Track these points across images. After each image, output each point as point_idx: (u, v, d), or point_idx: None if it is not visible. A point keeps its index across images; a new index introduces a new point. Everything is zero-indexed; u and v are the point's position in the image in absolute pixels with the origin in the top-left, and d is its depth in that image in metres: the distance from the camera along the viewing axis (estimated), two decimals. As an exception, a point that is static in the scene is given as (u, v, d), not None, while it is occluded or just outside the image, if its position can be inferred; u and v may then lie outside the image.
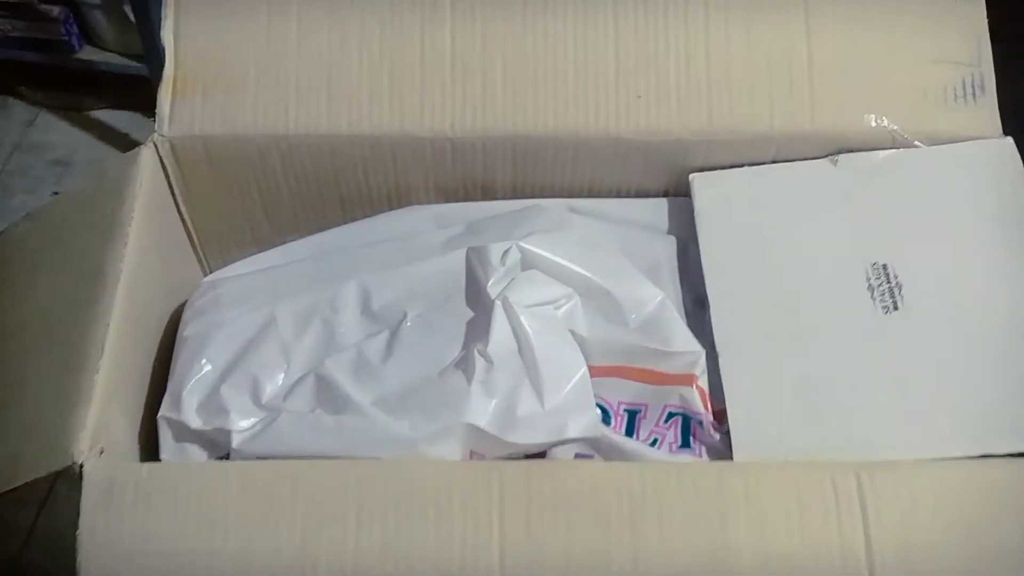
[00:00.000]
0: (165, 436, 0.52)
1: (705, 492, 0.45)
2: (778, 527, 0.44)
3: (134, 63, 1.41)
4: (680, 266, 0.58)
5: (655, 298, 0.54)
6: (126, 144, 1.52)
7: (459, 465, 0.48)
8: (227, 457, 0.51)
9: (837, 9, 0.58)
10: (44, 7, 1.39)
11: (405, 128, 0.57)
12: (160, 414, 0.52)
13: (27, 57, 1.46)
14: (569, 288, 0.54)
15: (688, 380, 0.52)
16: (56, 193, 1.44)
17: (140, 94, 1.38)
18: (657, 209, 0.61)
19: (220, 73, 0.57)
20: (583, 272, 0.54)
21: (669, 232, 0.60)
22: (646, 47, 0.57)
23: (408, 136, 0.57)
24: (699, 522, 0.44)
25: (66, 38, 1.42)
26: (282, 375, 0.53)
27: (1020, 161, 0.56)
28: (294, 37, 0.57)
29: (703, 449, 0.52)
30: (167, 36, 0.57)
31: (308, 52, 0.57)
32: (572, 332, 0.53)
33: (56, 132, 1.53)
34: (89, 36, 1.45)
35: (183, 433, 0.52)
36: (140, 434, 0.53)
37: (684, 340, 0.52)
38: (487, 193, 0.61)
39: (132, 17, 1.33)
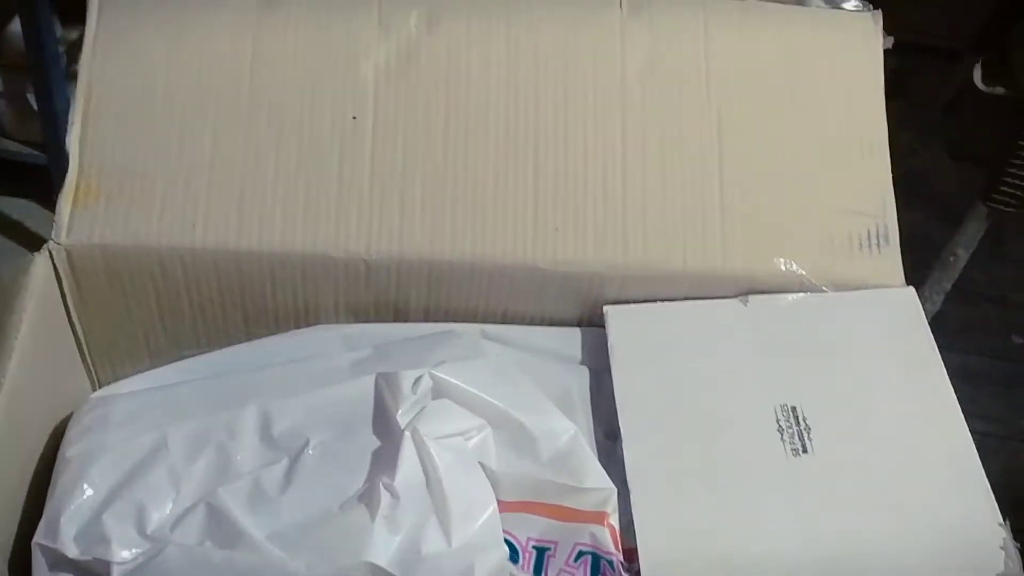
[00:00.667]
0: (39, 564, 0.48)
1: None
2: None
3: (33, 152, 1.37)
4: (592, 397, 0.57)
5: (567, 431, 0.53)
6: (21, 233, 1.47)
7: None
8: None
9: (751, 158, 0.60)
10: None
11: (318, 247, 0.55)
12: (34, 540, 0.48)
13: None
14: (481, 419, 0.52)
15: (599, 518, 0.50)
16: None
17: (38, 183, 1.34)
18: (570, 338, 0.60)
19: (126, 183, 0.55)
20: (495, 402, 0.53)
21: (582, 362, 0.59)
22: (566, 181, 0.58)
23: (321, 256, 0.56)
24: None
25: (-35, 124, 1.38)
26: (170, 503, 0.49)
27: (921, 310, 0.58)
28: (208, 149, 0.56)
29: None
30: (72, 142, 0.55)
31: (221, 165, 0.56)
32: (482, 465, 0.51)
33: (-52, 218, 1.47)
34: (-11, 123, 1.41)
35: (59, 562, 0.48)
36: (12, 562, 0.48)
37: (596, 476, 0.51)
38: (399, 315, 0.60)
39: (35, 106, 1.30)
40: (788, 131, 0.60)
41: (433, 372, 0.52)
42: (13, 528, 0.49)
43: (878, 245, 0.59)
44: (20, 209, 1.44)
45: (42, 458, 0.53)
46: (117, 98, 0.56)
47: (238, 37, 0.58)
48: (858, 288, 0.58)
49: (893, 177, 0.60)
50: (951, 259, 1.18)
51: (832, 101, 0.62)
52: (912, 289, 0.59)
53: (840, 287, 0.58)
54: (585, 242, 0.57)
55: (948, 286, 1.21)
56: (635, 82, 0.60)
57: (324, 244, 0.55)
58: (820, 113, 0.61)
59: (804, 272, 0.58)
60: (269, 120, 0.57)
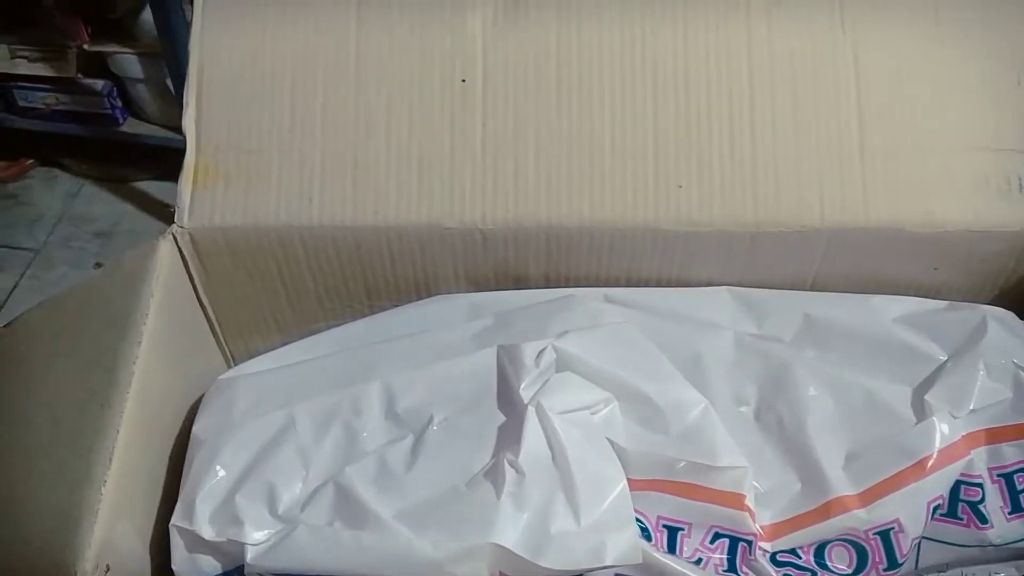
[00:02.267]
0: (177, 546, 0.49)
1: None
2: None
3: (176, 135, 1.41)
4: (725, 363, 0.54)
5: (698, 405, 0.50)
6: (167, 216, 1.52)
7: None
8: (241, 570, 0.48)
9: (891, 93, 0.55)
10: (88, 82, 1.41)
11: (433, 218, 0.54)
12: (172, 522, 0.49)
13: (72, 130, 1.48)
14: (607, 392, 0.50)
15: (736, 501, 0.48)
16: (98, 264, 1.44)
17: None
18: (699, 300, 0.57)
19: (243, 161, 0.55)
20: (621, 374, 0.50)
21: (712, 324, 0.56)
22: (688, 132, 0.54)
23: (437, 227, 0.54)
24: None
25: (109, 111, 1.44)
26: (300, 483, 0.49)
27: None
28: (318, 123, 0.55)
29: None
30: (188, 124, 0.55)
31: (333, 139, 0.55)
32: (610, 441, 0.49)
33: (99, 203, 1.54)
34: (132, 109, 1.47)
35: (195, 543, 0.49)
36: (152, 542, 0.50)
37: (729, 454, 0.48)
38: (519, 283, 0.58)
39: (174, 91, 1.35)
40: (932, 59, 0.55)
41: (556, 344, 0.51)
42: (153, 511, 0.50)
43: (1039, 186, 0.54)
44: (166, 192, 1.50)
45: (179, 438, 0.54)
46: (228, 76, 0.56)
47: (341, 3, 0.57)
48: (1015, 231, 0.53)
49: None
50: None
51: (980, 20, 0.55)
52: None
53: (996, 233, 0.53)
54: (711, 199, 0.54)
55: None
56: (761, 16, 0.55)
57: (440, 215, 0.54)
58: (966, 35, 0.55)
59: (957, 218, 0.53)
60: (378, 88, 0.55)
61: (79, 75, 1.40)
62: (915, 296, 0.56)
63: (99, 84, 1.41)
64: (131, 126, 1.47)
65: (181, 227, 0.54)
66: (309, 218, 0.54)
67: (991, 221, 0.54)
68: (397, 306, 0.58)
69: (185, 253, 0.55)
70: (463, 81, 0.55)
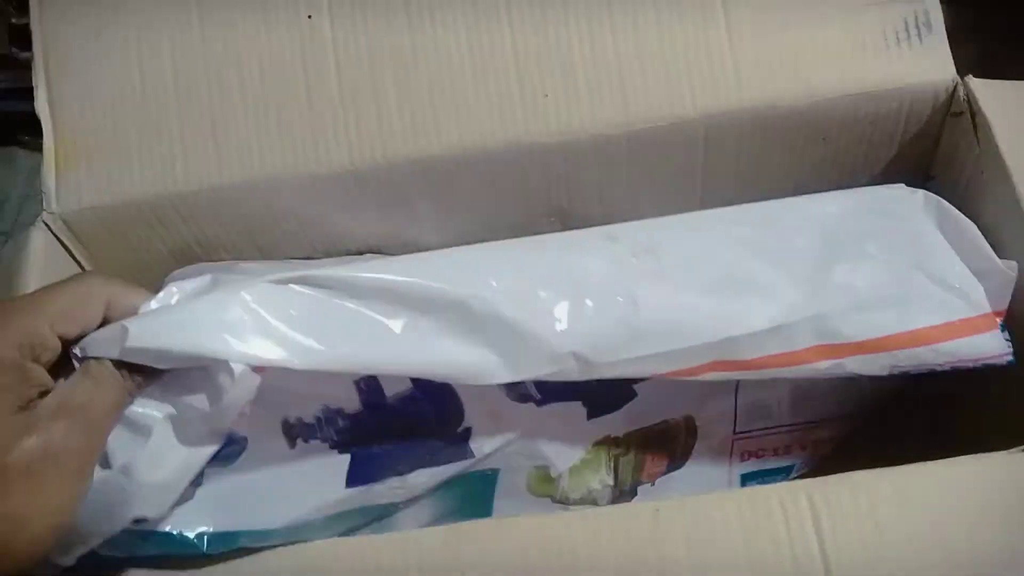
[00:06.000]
0: None
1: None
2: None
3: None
4: None
5: None
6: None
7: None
8: None
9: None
10: (26, 55, 1.38)
11: (299, 167, 0.53)
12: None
13: (21, 107, 1.46)
14: None
15: None
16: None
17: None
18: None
19: (101, 139, 0.54)
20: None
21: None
22: (547, 41, 0.52)
23: (307, 175, 0.53)
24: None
25: (51, 83, 1.41)
26: None
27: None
28: (171, 88, 0.54)
29: None
30: (41, 107, 0.54)
31: (187, 102, 0.53)
32: None
33: (62, 176, 1.53)
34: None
35: None
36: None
37: None
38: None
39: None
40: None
41: None
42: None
43: (919, 35, 0.51)
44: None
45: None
46: (73, 52, 0.54)
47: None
48: (898, 88, 0.51)
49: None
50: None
51: None
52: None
53: (877, 92, 0.51)
54: (579, 104, 0.52)
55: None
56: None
57: (307, 163, 0.53)
58: None
59: (834, 84, 0.51)
60: (226, 42, 0.53)
61: (13, 49, 1.38)
62: (808, 175, 0.54)
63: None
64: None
65: (51, 213, 0.53)
66: (175, 185, 0.53)
67: (870, 80, 0.51)
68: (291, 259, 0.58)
69: (63, 239, 0.54)
70: (309, 17, 0.53)
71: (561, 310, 0.44)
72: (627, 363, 0.45)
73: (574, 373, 0.45)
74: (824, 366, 0.46)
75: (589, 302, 0.45)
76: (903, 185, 0.51)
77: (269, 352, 0.40)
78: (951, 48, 0.51)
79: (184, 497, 0.43)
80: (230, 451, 0.45)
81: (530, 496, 0.55)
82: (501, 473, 0.53)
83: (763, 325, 0.45)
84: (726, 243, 0.47)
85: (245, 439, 0.46)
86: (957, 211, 0.48)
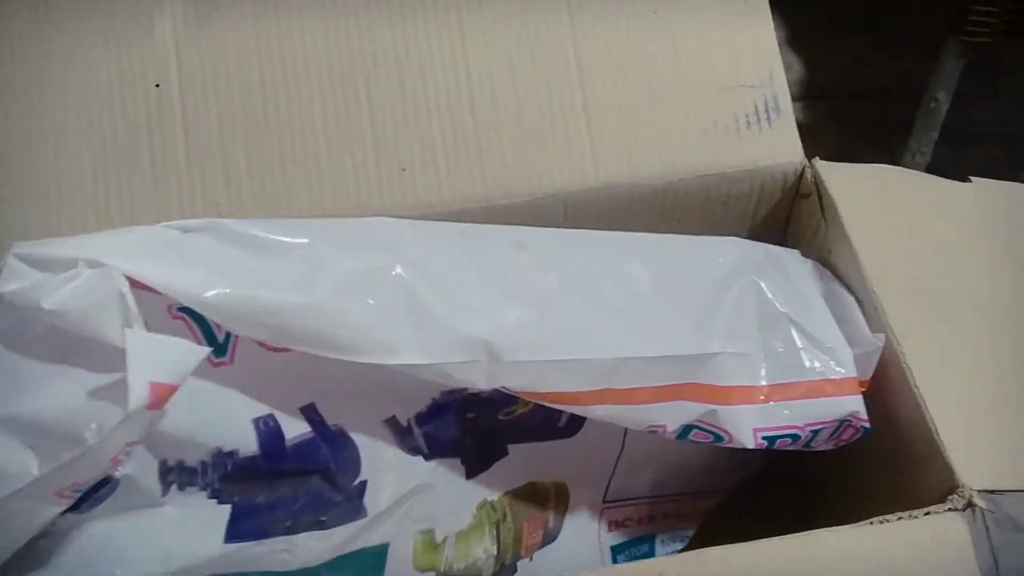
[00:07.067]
0: None
1: None
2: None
3: None
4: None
5: None
6: None
7: None
8: None
9: (610, 46, 0.53)
10: None
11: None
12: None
13: None
14: None
15: None
16: None
17: None
18: None
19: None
20: None
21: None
22: (406, 115, 0.52)
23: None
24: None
25: None
26: None
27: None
28: (15, 155, 0.50)
29: None
30: None
31: (30, 169, 0.50)
32: None
33: None
34: None
35: None
36: None
37: None
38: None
39: None
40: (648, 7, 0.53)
41: None
42: None
43: (768, 119, 0.52)
44: None
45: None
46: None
47: (31, 19, 0.52)
48: (749, 170, 0.52)
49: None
50: (932, 105, 1.09)
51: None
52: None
53: (729, 173, 0.52)
54: (438, 179, 0.51)
55: (935, 135, 1.11)
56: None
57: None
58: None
59: (688, 164, 0.52)
60: (77, 107, 0.51)
61: None
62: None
63: None
64: None
65: None
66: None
67: (723, 162, 0.52)
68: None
69: None
70: (157, 86, 0.51)
71: (475, 297, 0.43)
72: (531, 367, 0.43)
73: (482, 370, 0.43)
74: (697, 410, 0.46)
75: (501, 295, 0.44)
76: (798, 252, 0.53)
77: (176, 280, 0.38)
78: (811, 141, 0.53)
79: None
80: (95, 496, 0.41)
81: (415, 573, 0.52)
82: (391, 547, 0.51)
83: (651, 353, 0.45)
84: (630, 264, 0.48)
85: (117, 481, 0.42)
86: (841, 285, 0.50)
